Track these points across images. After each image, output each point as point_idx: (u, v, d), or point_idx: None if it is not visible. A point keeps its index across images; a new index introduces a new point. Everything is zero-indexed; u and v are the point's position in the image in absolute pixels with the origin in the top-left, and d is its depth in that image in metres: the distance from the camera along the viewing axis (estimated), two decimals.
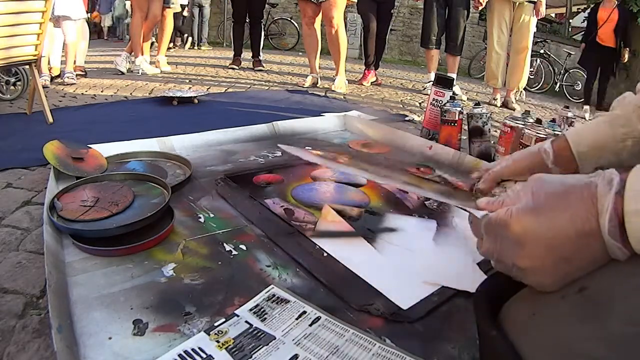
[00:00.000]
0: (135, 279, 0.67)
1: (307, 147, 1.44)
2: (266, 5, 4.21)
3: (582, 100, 3.97)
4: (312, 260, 0.76)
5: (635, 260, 0.35)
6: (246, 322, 0.57)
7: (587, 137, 0.63)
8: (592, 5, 3.93)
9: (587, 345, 0.34)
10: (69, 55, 2.66)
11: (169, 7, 3.30)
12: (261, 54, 3.95)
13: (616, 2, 3.79)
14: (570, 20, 7.64)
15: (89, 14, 4.67)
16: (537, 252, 0.40)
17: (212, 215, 0.90)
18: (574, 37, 6.32)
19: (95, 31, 7.42)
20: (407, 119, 2.20)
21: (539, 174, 0.44)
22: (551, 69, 5.71)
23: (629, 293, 0.33)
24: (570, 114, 1.50)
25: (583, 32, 4.38)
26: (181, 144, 1.33)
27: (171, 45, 5.58)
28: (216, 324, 0.56)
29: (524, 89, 3.22)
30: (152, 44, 3.70)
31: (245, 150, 1.37)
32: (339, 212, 0.93)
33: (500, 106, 2.97)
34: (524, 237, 0.40)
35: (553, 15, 9.04)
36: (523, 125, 1.30)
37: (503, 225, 0.42)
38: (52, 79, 2.58)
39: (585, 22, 4.29)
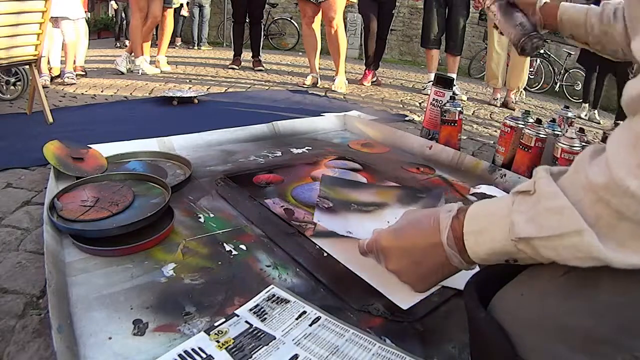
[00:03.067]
0: (135, 279, 0.67)
1: (307, 148, 1.44)
2: (266, 5, 4.21)
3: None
4: (312, 260, 0.76)
5: None
6: (246, 322, 0.57)
7: (571, 12, 0.90)
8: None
9: (574, 318, 0.35)
10: (69, 55, 2.66)
11: (170, 7, 3.30)
12: (261, 54, 3.94)
13: None
14: None
15: (88, 14, 4.67)
16: (397, 258, 0.56)
17: (212, 215, 0.90)
18: None
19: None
20: (407, 119, 2.20)
21: (409, 209, 0.62)
22: (551, 69, 5.71)
23: (615, 271, 0.34)
24: (570, 114, 1.50)
25: None
26: (181, 144, 1.33)
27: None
28: (216, 324, 0.56)
29: (524, 89, 3.22)
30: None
31: (245, 150, 1.37)
32: None
33: (500, 106, 2.97)
34: (388, 247, 0.57)
35: None
36: (523, 125, 1.30)
37: (375, 242, 0.60)
38: (52, 79, 2.58)
39: None
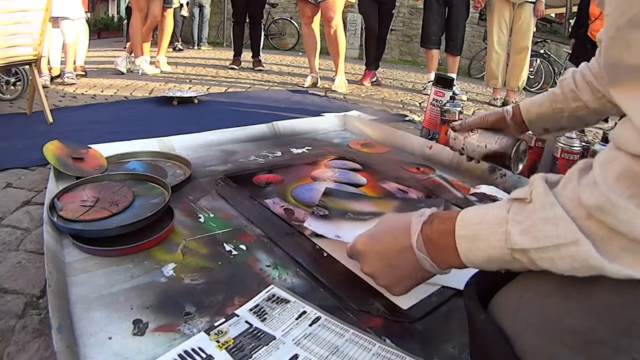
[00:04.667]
0: (135, 279, 0.67)
1: (307, 148, 1.44)
2: (266, 5, 4.21)
3: None
4: (312, 260, 0.76)
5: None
6: (246, 322, 0.57)
7: (533, 110, 0.85)
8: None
9: (573, 319, 0.35)
10: (69, 55, 2.66)
11: (169, 7, 3.30)
12: (261, 54, 3.95)
13: None
14: (570, 20, 7.64)
15: (88, 14, 4.68)
16: (372, 261, 0.57)
17: (212, 215, 0.90)
18: None
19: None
20: (407, 119, 2.20)
21: (386, 214, 0.63)
22: (551, 69, 5.71)
23: None
24: None
25: (571, 27, 4.25)
26: (181, 144, 1.33)
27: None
28: (216, 324, 0.56)
29: (524, 89, 3.22)
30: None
31: (245, 150, 1.37)
32: None
33: (500, 106, 2.96)
34: (364, 251, 0.58)
35: (553, 15, 9.03)
36: None
37: (354, 246, 0.61)
38: (52, 79, 2.58)
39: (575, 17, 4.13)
